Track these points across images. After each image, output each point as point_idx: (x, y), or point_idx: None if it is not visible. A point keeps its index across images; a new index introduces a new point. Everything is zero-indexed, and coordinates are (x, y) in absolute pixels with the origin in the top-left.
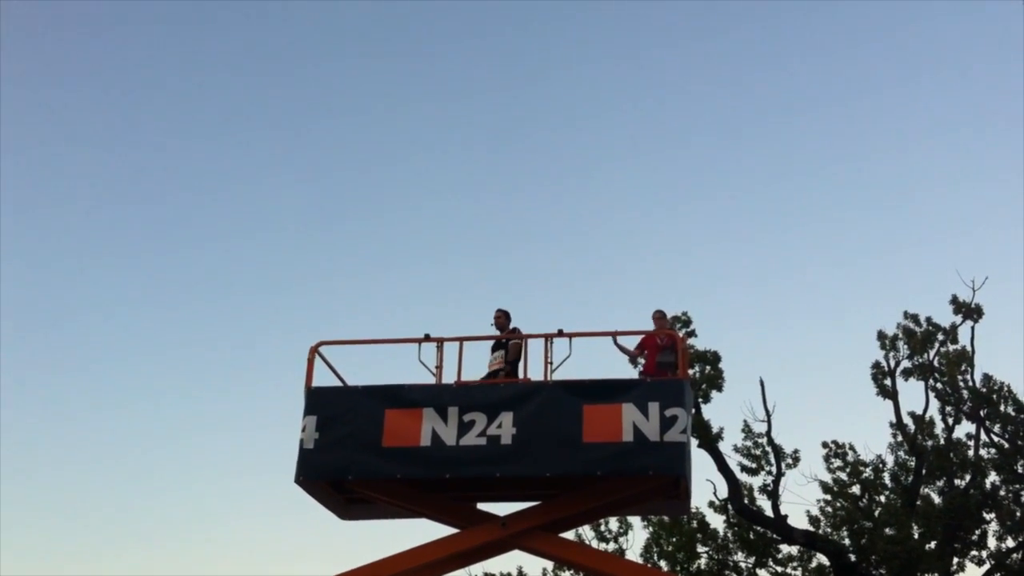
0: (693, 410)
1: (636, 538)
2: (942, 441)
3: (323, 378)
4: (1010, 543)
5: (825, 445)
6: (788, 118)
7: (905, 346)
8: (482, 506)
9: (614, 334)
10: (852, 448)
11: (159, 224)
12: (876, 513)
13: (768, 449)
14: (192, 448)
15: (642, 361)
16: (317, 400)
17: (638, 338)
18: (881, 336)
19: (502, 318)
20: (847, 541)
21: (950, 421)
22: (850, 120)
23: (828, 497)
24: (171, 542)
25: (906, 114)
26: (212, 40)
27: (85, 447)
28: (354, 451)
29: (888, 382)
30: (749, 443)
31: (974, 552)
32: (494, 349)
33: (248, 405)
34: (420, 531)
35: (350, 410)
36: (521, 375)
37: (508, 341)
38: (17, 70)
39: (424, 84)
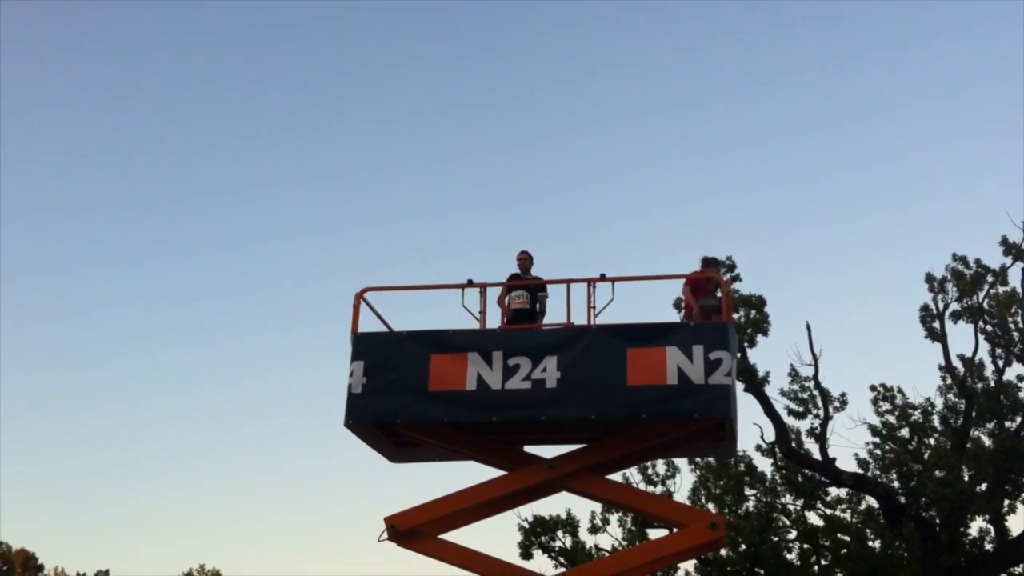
0: (738, 353)
1: (684, 481)
2: (992, 384)
3: (369, 324)
4: None
5: (873, 388)
6: (838, 63)
7: (954, 288)
8: (528, 449)
9: (657, 278)
10: (901, 391)
11: (213, 173)
12: (925, 456)
13: (815, 393)
14: (243, 393)
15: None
16: (364, 345)
17: (681, 282)
18: (929, 278)
19: (527, 259)
20: (896, 484)
21: (1000, 363)
22: (899, 65)
23: (877, 440)
24: (226, 487)
25: (954, 59)
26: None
27: (141, 388)
28: (401, 395)
29: (937, 325)
30: (796, 387)
31: None
32: (513, 288)
33: (297, 349)
34: (469, 474)
35: (396, 355)
36: (565, 319)
37: (538, 283)
38: (30, 71)
39: (468, 37)
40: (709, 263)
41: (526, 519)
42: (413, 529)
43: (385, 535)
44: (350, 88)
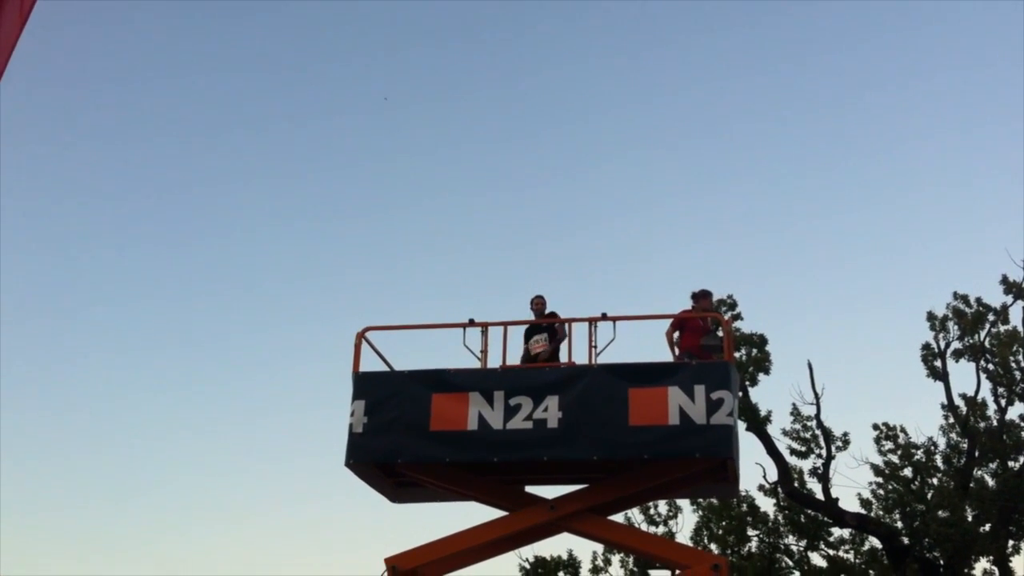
0: (740, 393)
1: (686, 521)
2: (995, 423)
3: (370, 363)
4: None
5: (876, 427)
6: (835, 98)
7: (955, 327)
8: (530, 489)
9: (658, 317)
10: (903, 430)
11: (208, 209)
12: (928, 496)
13: (817, 432)
14: (244, 435)
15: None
16: (365, 385)
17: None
18: (931, 317)
19: (541, 304)
20: (899, 524)
21: (1003, 402)
22: (898, 99)
23: (879, 480)
24: (224, 528)
25: (953, 92)
26: (243, 19)
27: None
28: (402, 435)
29: (938, 363)
30: (798, 426)
31: None
32: (532, 333)
33: (298, 390)
34: (470, 514)
35: (397, 394)
36: (564, 359)
37: (553, 325)
38: (25, 63)
39: (464, 68)
40: (699, 296)
41: (528, 560)
42: (414, 570)
43: None
44: (349, 124)
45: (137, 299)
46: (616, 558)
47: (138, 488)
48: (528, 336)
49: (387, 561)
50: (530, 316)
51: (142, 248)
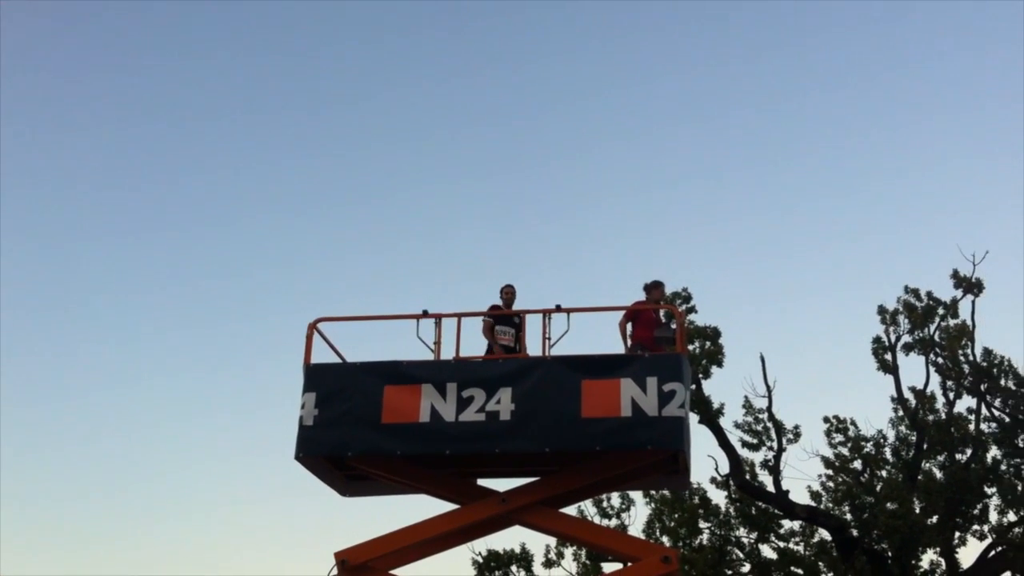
0: (692, 385)
1: (638, 514)
2: (943, 416)
3: (322, 355)
4: (1011, 517)
5: (826, 420)
6: (786, 95)
7: (906, 321)
8: (482, 482)
9: (612, 309)
10: (853, 423)
11: (158, 205)
12: (878, 488)
13: (769, 425)
14: (192, 428)
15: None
16: (316, 377)
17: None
18: (882, 311)
19: (511, 293)
20: (849, 516)
21: (951, 396)
22: (849, 96)
23: (829, 472)
24: (174, 524)
25: (904, 90)
26: (211, 25)
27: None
28: (353, 427)
29: (889, 357)
30: (750, 419)
31: (975, 527)
32: (501, 322)
33: (248, 383)
34: (421, 507)
35: (349, 386)
36: (519, 351)
37: (521, 317)
38: (18, 56)
39: (415, 66)
40: (651, 287)
41: (480, 553)
42: (364, 564)
43: (335, 571)
44: (304, 118)
45: (82, 293)
46: (569, 551)
47: (83, 486)
48: (499, 323)
49: (337, 556)
50: (485, 307)
51: (86, 243)
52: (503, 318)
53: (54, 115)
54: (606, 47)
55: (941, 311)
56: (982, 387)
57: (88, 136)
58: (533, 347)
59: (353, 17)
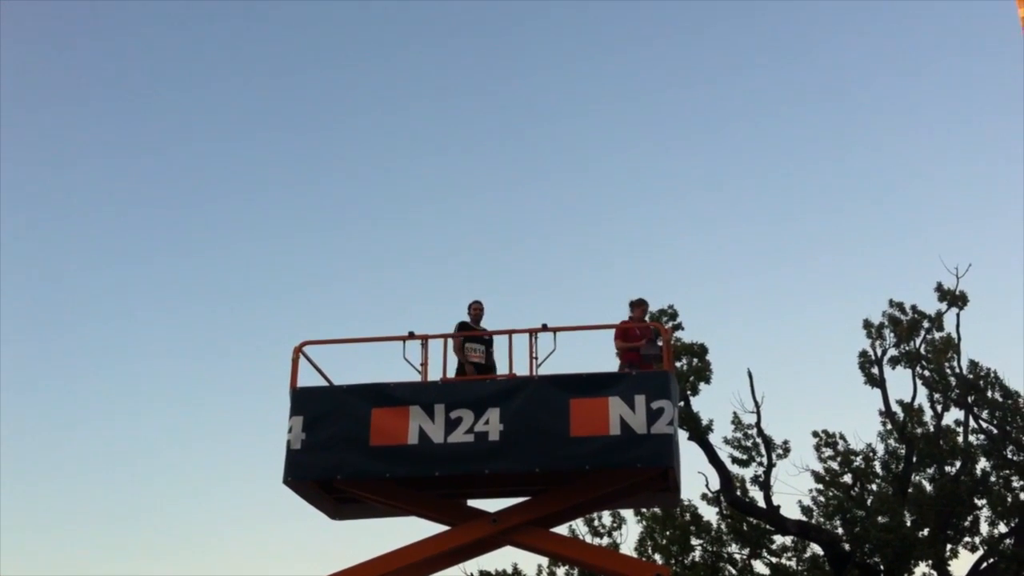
0: (680, 402)
1: (630, 532)
2: (931, 428)
3: (308, 378)
4: (1002, 528)
5: (815, 435)
6: (773, 111)
7: (891, 334)
8: (472, 503)
9: (599, 327)
10: (842, 437)
11: (145, 229)
12: (868, 502)
13: (758, 440)
14: (181, 453)
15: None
16: (303, 400)
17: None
18: (867, 325)
19: (479, 309)
20: (840, 530)
21: (938, 408)
22: (834, 112)
23: (820, 487)
24: (165, 546)
25: (889, 104)
26: (201, 45)
27: (80, 452)
28: (341, 451)
29: (875, 371)
30: (739, 435)
31: (967, 538)
32: (471, 339)
33: (235, 407)
34: (411, 529)
35: (336, 410)
36: (507, 371)
37: (491, 336)
38: (18, 74)
39: (402, 86)
40: (635, 305)
41: (472, 574)
42: None
43: None
44: (289, 139)
45: (71, 314)
46: (561, 571)
47: (71, 514)
48: (468, 341)
49: None
50: (458, 322)
51: (74, 263)
52: (471, 337)
53: (48, 134)
54: (585, 60)
55: (926, 324)
56: (969, 399)
57: (77, 166)
58: (502, 365)
59: (327, 44)
